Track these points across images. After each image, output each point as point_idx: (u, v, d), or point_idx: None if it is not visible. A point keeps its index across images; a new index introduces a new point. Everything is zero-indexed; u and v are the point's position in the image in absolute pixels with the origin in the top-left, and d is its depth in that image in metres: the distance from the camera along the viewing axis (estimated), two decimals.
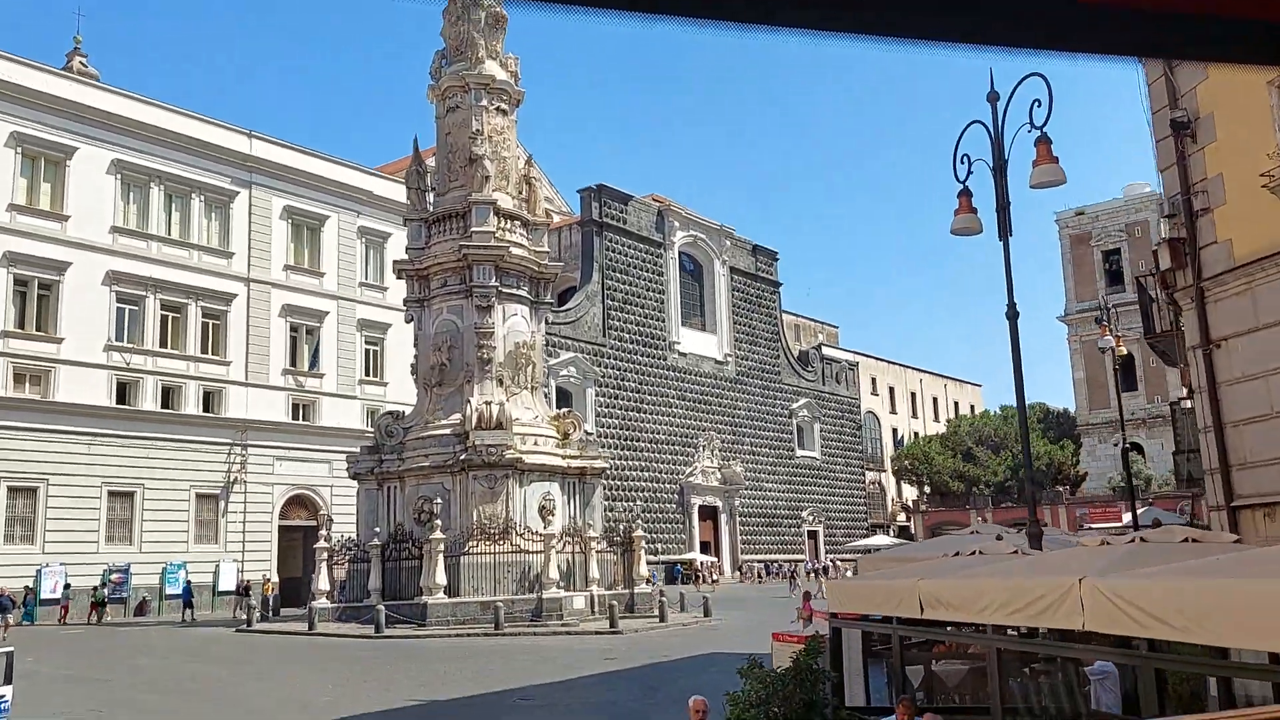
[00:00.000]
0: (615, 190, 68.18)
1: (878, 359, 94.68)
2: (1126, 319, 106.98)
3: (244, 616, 35.74)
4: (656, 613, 34.47)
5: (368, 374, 52.29)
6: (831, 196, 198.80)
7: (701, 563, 63.90)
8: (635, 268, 68.54)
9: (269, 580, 42.79)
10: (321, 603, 33.85)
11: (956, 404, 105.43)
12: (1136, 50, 1.23)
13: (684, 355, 71.10)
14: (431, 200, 39.18)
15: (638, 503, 61.70)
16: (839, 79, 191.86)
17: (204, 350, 45.66)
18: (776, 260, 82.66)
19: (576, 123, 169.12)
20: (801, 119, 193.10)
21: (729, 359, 75.26)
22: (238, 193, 47.76)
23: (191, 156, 46.12)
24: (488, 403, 35.10)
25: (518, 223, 38.43)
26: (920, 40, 1.14)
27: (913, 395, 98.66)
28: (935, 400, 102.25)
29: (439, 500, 33.74)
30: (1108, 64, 1.22)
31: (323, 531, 37.29)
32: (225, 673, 21.49)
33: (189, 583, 41.45)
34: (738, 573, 70.05)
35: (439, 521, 32.75)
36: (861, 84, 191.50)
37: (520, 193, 39.44)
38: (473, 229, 36.68)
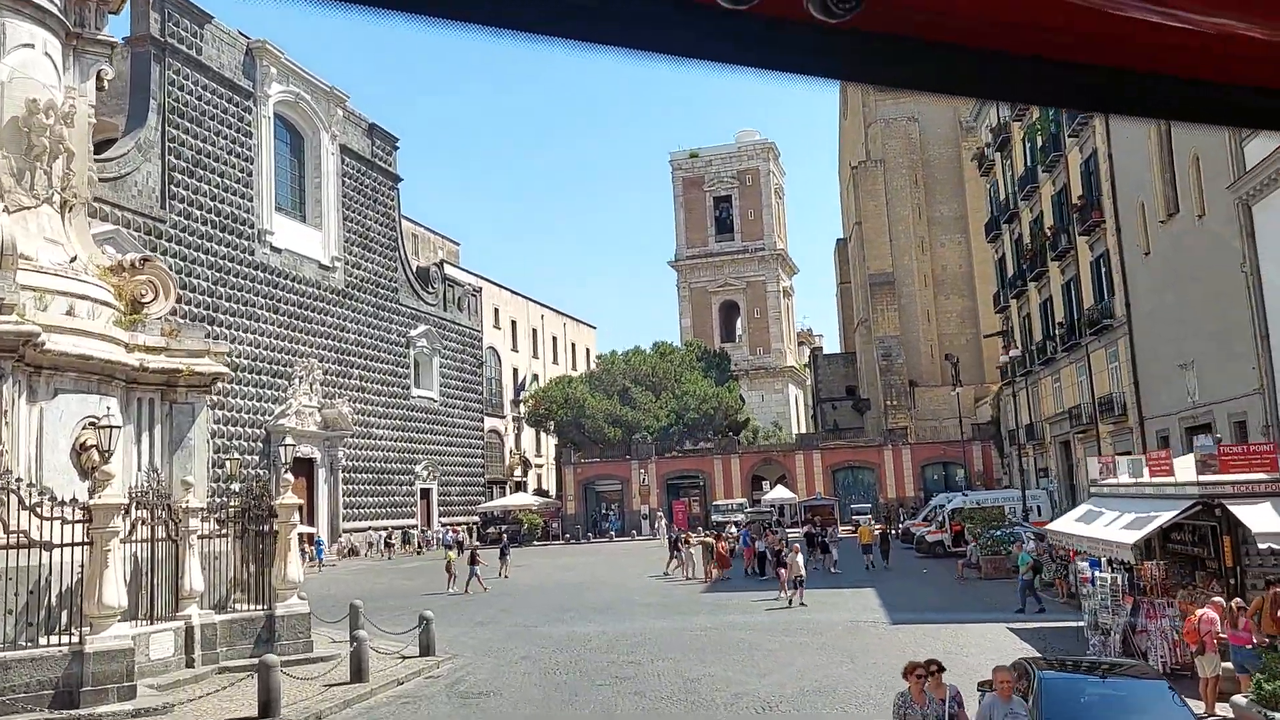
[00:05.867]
0: (187, 2, 46.84)
1: (501, 287, 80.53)
2: (733, 268, 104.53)
3: None
4: (315, 652, 17.71)
5: None
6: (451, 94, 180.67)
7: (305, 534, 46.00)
8: (213, 119, 47.82)
9: None
10: None
11: (573, 345, 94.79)
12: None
13: (278, 252, 51.65)
14: None
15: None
16: None
17: None
18: (397, 148, 65.11)
19: None
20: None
21: (337, 265, 56.81)
22: None
23: None
24: None
25: None
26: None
27: (534, 332, 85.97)
28: (555, 340, 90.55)
29: None
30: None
31: None
32: None
33: None
34: (341, 547, 52.57)
35: None
36: None
37: None
38: None
